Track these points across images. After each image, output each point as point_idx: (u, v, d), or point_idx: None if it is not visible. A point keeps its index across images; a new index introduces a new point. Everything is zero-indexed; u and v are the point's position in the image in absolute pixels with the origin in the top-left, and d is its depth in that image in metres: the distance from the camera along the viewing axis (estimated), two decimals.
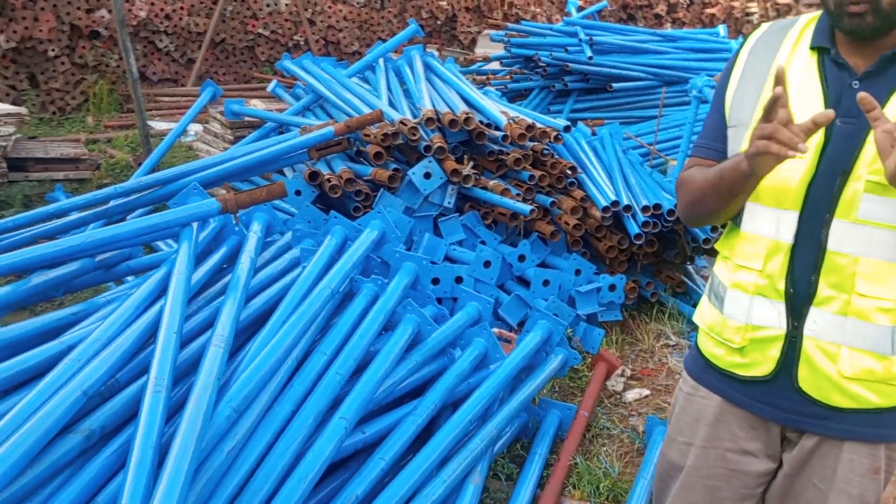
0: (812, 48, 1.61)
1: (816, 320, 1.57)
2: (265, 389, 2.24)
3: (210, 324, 2.49)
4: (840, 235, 1.53)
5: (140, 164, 5.84)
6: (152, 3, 9.18)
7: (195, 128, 6.91)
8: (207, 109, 6.09)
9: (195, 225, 2.94)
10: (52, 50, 8.63)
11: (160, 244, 4.25)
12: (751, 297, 1.64)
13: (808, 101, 1.56)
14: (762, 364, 1.65)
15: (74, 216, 3.78)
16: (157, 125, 7.78)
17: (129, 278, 3.62)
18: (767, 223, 1.61)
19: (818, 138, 1.54)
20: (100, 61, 8.95)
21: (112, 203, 3.89)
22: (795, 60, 1.62)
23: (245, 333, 2.59)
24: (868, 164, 1.50)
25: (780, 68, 1.43)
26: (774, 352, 1.62)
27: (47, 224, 3.75)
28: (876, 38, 1.54)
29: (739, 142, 1.63)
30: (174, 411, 2.10)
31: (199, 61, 9.58)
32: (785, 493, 1.70)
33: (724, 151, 1.71)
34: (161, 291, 2.54)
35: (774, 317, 1.62)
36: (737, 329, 1.67)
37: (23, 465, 1.69)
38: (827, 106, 1.54)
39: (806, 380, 1.60)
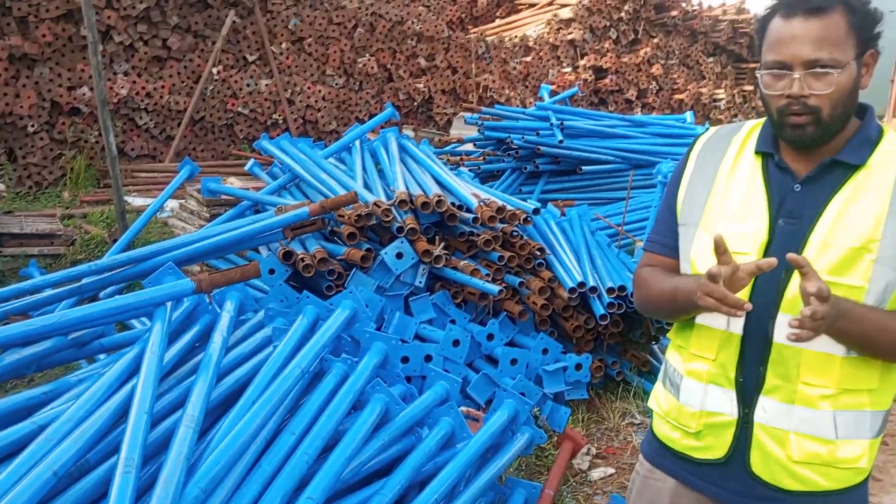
0: (757, 153, 1.73)
1: (765, 408, 1.67)
2: (233, 470, 2.28)
3: (181, 403, 2.53)
4: (785, 328, 1.61)
5: (115, 241, 5.91)
6: (134, 82, 9.36)
7: (171, 204, 7.00)
8: (185, 186, 6.19)
9: (169, 304, 3.00)
10: (32, 125, 8.74)
11: (133, 321, 4.29)
12: (705, 385, 1.74)
13: (753, 203, 1.68)
14: (716, 448, 1.73)
15: (47, 293, 3.83)
16: (134, 201, 7.87)
17: (101, 356, 3.67)
18: (719, 316, 1.69)
19: (763, 237, 1.65)
20: (79, 137, 9.07)
21: (85, 280, 3.95)
22: (741, 164, 1.74)
23: (216, 412, 2.63)
24: (811, 262, 1.58)
25: (718, 237, 1.54)
26: (728, 436, 1.71)
27: (20, 300, 3.79)
28: (816, 147, 1.66)
29: (690, 240, 1.75)
30: (144, 491, 2.13)
31: (177, 138, 9.73)
32: None
33: (675, 247, 1.83)
34: (133, 371, 2.58)
35: (727, 404, 1.71)
36: (692, 415, 1.76)
37: None
38: (770, 208, 1.66)
39: (758, 464, 1.68)
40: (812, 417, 1.64)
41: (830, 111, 1.60)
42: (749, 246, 1.67)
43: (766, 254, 1.65)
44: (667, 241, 1.87)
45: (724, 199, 1.73)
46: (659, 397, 1.89)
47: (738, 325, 1.68)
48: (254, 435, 2.42)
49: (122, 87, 9.21)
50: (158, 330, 2.76)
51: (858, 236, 1.59)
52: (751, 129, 1.80)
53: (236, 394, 2.72)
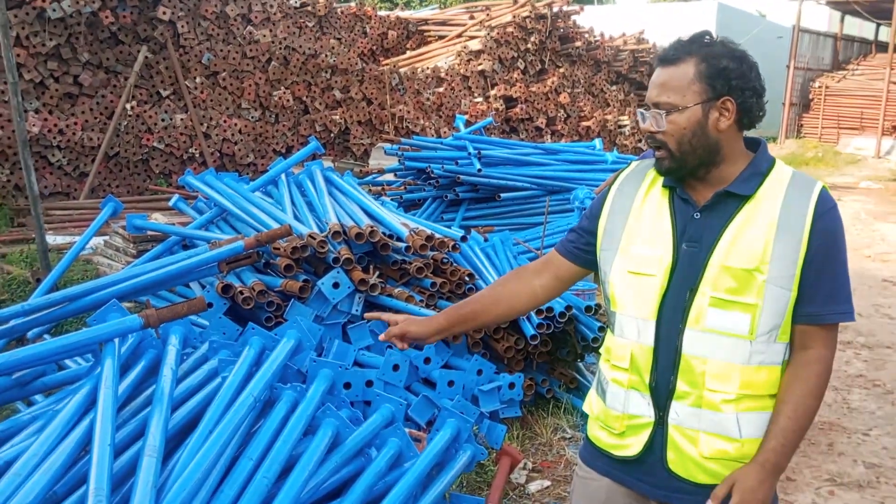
0: (664, 186, 1.97)
1: (678, 412, 1.89)
2: (198, 495, 2.37)
3: (139, 434, 2.60)
4: (691, 342, 1.86)
5: (38, 280, 5.83)
6: (45, 119, 9.21)
7: (95, 241, 6.92)
8: (109, 223, 6.15)
9: (117, 340, 3.05)
10: None
11: (66, 361, 4.26)
12: (626, 390, 1.97)
13: (659, 230, 1.93)
14: (633, 446, 1.96)
15: None
16: (50, 239, 7.73)
17: (38, 397, 3.67)
18: (630, 330, 1.95)
19: (668, 261, 1.89)
20: None
21: (13, 322, 3.91)
22: (651, 197, 1.99)
23: (173, 441, 2.70)
24: (711, 282, 1.83)
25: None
26: (644, 436, 1.94)
27: None
28: (691, 175, 1.91)
29: (609, 263, 2.00)
30: None
31: (92, 174, 9.60)
32: None
33: (574, 253, 2.14)
34: (89, 405, 2.64)
35: (645, 407, 1.93)
36: (616, 417, 1.99)
37: None
38: (675, 233, 1.90)
39: (674, 461, 1.91)
40: (718, 419, 1.86)
41: (677, 146, 1.86)
42: (655, 268, 1.90)
43: (671, 275, 1.89)
44: (571, 249, 2.15)
45: (636, 226, 1.97)
46: (592, 402, 2.13)
47: (648, 337, 1.91)
48: (214, 461, 2.51)
49: (34, 125, 9.05)
50: (109, 365, 2.81)
51: (750, 259, 1.80)
52: None
53: (191, 423, 2.80)
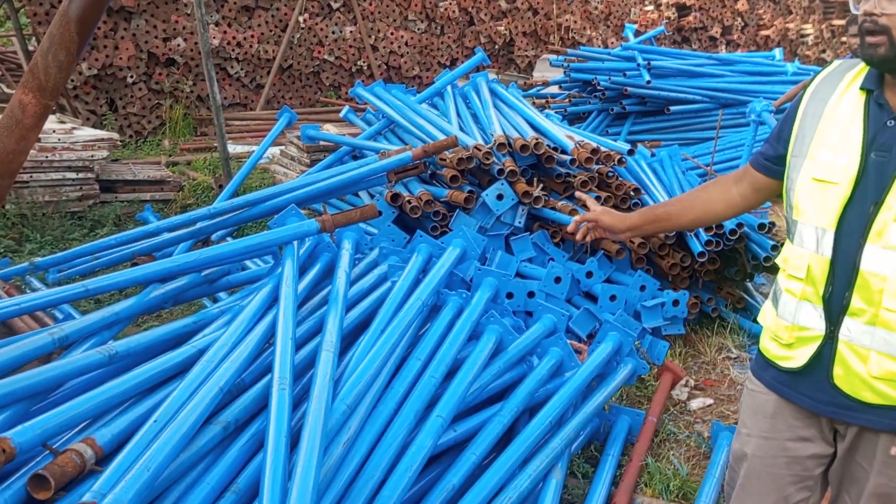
0: (861, 88, 1.81)
1: (850, 328, 1.78)
2: (370, 390, 2.51)
3: (317, 330, 2.77)
4: (871, 258, 1.72)
5: (220, 186, 6.21)
6: (225, 32, 9.63)
7: (271, 151, 7.27)
8: (284, 133, 6.44)
9: (296, 243, 3.23)
10: (131, 77, 9.12)
11: (248, 263, 4.55)
12: (798, 301, 1.87)
13: (849, 136, 1.78)
14: (798, 358, 1.88)
15: (165, 236, 4.10)
16: (231, 148, 8.17)
17: (223, 294, 3.95)
18: (809, 239, 1.83)
19: (854, 169, 1.74)
20: (175, 87, 9.42)
21: (200, 224, 4.20)
22: (845, 100, 1.83)
23: (346, 340, 2.86)
24: None
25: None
26: (812, 348, 1.85)
27: (143, 242, 4.08)
28: (889, 68, 1.72)
29: (798, 169, 1.86)
30: (295, 405, 2.37)
31: (267, 86, 10.01)
32: (841, 473, 1.92)
33: (769, 167, 2.03)
34: (271, 302, 2.82)
35: (816, 320, 1.84)
36: (786, 328, 1.91)
37: (178, 450, 1.97)
38: (864, 141, 1.75)
39: (840, 377, 1.81)
40: (893, 339, 1.74)
41: None
42: (840, 176, 1.76)
43: (856, 185, 1.74)
44: (763, 162, 2.04)
45: (827, 131, 1.82)
46: (766, 311, 2.06)
47: (827, 248, 1.79)
48: (385, 359, 2.64)
49: (214, 38, 9.49)
50: (290, 265, 2.99)
51: None
52: (864, 66, 1.88)
53: (363, 324, 2.96)
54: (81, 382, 2.35)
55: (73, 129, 6.35)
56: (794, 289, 1.89)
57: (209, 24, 9.52)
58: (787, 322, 1.90)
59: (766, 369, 2.01)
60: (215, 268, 3.35)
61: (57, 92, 4.07)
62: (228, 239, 4.92)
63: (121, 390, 2.21)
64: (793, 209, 1.88)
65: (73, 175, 6.08)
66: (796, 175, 1.87)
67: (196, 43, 9.08)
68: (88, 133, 6.34)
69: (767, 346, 2.00)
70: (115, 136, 6.49)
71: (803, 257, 1.86)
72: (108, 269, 4.08)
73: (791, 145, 1.92)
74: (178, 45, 9.28)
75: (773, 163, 2.01)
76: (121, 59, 8.95)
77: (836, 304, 1.80)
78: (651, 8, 13.22)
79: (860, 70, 1.87)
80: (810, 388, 1.89)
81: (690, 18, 13.56)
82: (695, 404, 3.73)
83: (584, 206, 2.26)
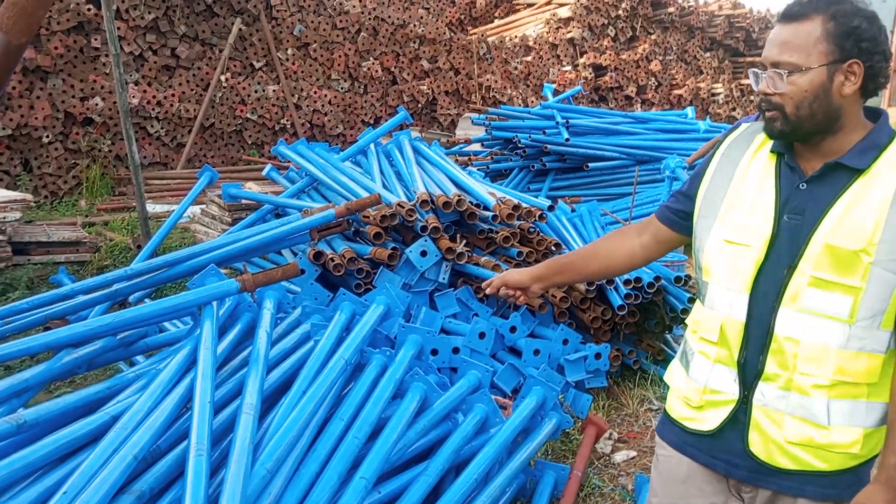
0: (772, 152, 1.86)
1: (764, 393, 1.79)
2: (293, 452, 2.46)
3: (236, 393, 2.71)
4: (786, 321, 1.74)
5: (139, 247, 6.08)
6: (145, 91, 9.53)
7: (192, 210, 7.17)
8: (205, 192, 6.36)
9: (215, 303, 3.17)
10: (47, 136, 8.91)
11: (165, 324, 4.45)
12: (712, 364, 1.87)
13: (763, 197, 1.81)
14: (710, 420, 1.88)
15: (80, 299, 3.97)
16: (150, 207, 8.03)
17: (139, 357, 3.85)
18: (722, 302, 1.85)
19: (768, 231, 1.77)
20: (92, 147, 9.24)
21: (117, 286, 4.09)
22: (756, 162, 1.87)
23: (267, 402, 2.80)
24: (812, 260, 1.71)
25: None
26: (724, 412, 1.85)
27: (56, 305, 3.95)
28: (803, 141, 1.78)
29: (708, 230, 1.89)
30: (213, 472, 2.30)
31: (188, 145, 9.91)
32: None
33: (675, 221, 2.07)
34: (189, 365, 2.76)
35: (730, 384, 1.84)
36: (697, 390, 1.90)
37: None
38: (777, 203, 1.79)
39: (756, 443, 1.81)
40: (807, 404, 1.75)
41: (794, 110, 1.72)
42: (753, 239, 1.79)
43: (769, 248, 1.77)
44: (668, 215, 2.08)
45: (738, 193, 1.84)
46: (674, 371, 2.04)
47: (741, 312, 1.80)
48: (307, 421, 2.60)
49: (133, 97, 9.37)
50: (209, 327, 2.93)
51: (857, 239, 1.67)
52: None
53: (285, 385, 2.91)
54: None
55: None
56: (707, 351, 1.89)
57: (128, 84, 9.41)
58: (699, 384, 1.90)
59: (673, 430, 2.00)
60: (132, 330, 3.26)
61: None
62: (146, 301, 4.80)
63: (29, 461, 2.12)
64: (702, 271, 1.90)
65: None
66: (706, 236, 1.89)
67: (115, 102, 8.95)
68: (1, 194, 6.16)
69: (674, 405, 2.00)
70: (29, 196, 6.31)
71: (715, 319, 1.86)
72: (20, 333, 3.93)
73: (698, 205, 1.94)
74: (97, 105, 9.12)
75: (679, 217, 2.05)
76: (36, 118, 8.75)
77: (750, 369, 1.81)
78: (569, 68, 13.62)
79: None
80: (721, 451, 1.88)
81: (607, 78, 14.01)
82: (619, 457, 3.76)
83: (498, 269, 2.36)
